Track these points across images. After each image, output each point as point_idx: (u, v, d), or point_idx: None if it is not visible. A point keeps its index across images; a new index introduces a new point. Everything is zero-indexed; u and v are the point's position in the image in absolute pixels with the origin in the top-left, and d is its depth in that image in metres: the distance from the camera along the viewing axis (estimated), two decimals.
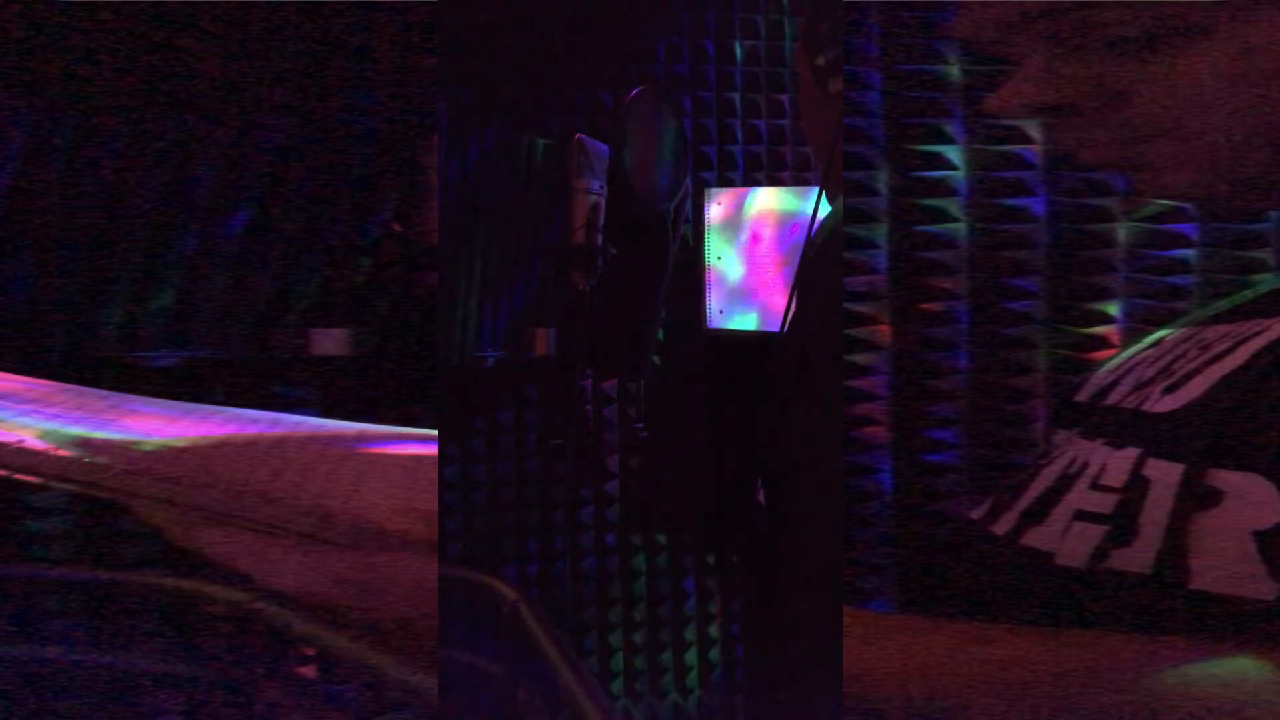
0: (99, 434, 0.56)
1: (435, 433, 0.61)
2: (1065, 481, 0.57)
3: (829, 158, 0.89)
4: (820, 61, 0.89)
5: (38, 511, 1.25)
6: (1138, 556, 0.48)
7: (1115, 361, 0.70)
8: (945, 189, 1.42)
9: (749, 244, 1.57)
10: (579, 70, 1.56)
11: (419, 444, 0.59)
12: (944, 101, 1.42)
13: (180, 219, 1.29)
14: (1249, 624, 0.44)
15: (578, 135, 1.46)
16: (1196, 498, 0.47)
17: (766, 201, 1.56)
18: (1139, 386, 0.60)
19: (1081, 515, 0.53)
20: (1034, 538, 0.56)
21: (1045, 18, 0.54)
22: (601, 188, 1.50)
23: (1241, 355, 0.51)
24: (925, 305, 1.43)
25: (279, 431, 0.61)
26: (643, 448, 1.61)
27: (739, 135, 1.65)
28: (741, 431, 1.40)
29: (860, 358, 1.43)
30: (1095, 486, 0.54)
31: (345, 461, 0.56)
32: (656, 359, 1.62)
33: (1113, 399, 0.63)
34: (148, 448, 0.55)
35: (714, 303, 1.60)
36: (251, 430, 0.60)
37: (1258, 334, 0.52)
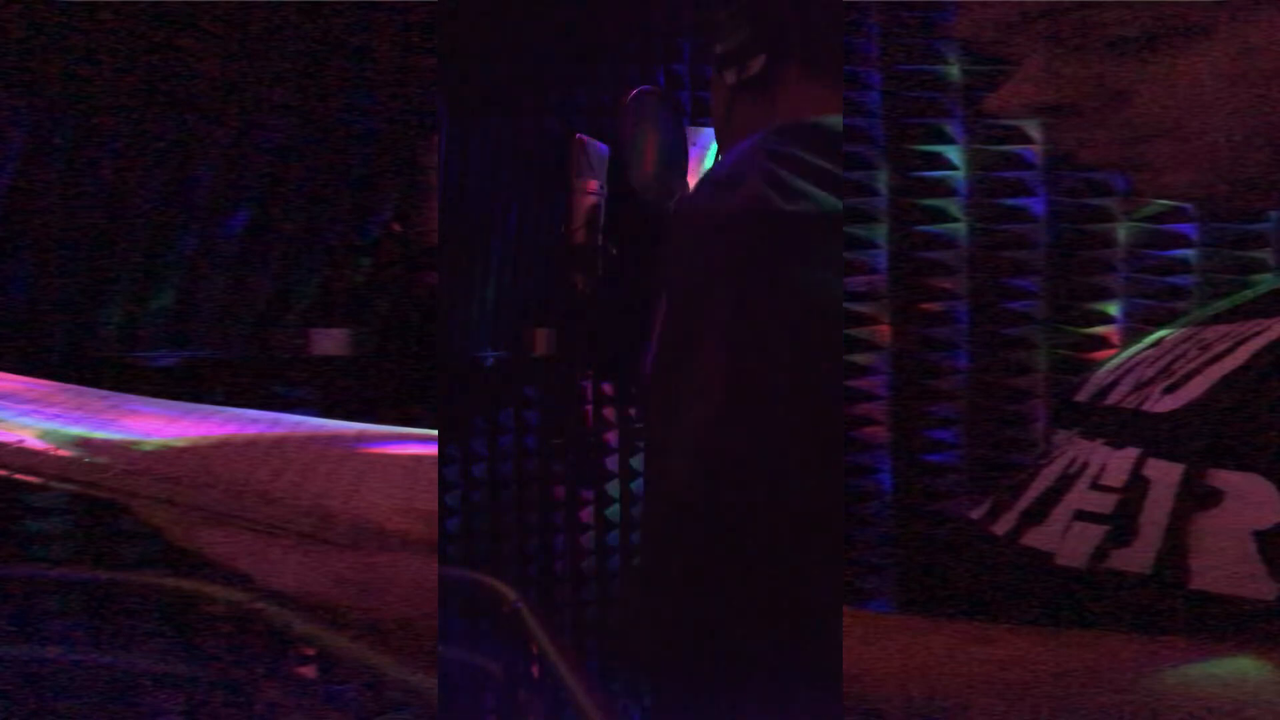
0: (99, 434, 0.56)
1: (435, 433, 0.61)
2: (1065, 481, 0.57)
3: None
4: (719, 50, 0.88)
5: (38, 511, 1.25)
6: (1138, 556, 0.48)
7: (1115, 361, 0.70)
8: (945, 189, 1.42)
9: None
10: (579, 70, 1.56)
11: (419, 444, 0.59)
12: (944, 101, 1.41)
13: (180, 219, 1.29)
14: (1249, 624, 0.44)
15: (578, 135, 1.46)
16: (1196, 498, 0.47)
17: None
18: (1139, 386, 0.60)
19: (1081, 515, 0.53)
20: (1034, 538, 0.56)
21: (1045, 18, 0.54)
22: (601, 188, 1.50)
23: (1241, 355, 0.51)
24: (925, 305, 1.43)
25: (279, 431, 0.61)
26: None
27: None
28: None
29: (860, 358, 1.43)
30: (1095, 486, 0.54)
31: (345, 461, 0.56)
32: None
33: (1113, 399, 0.63)
34: (148, 448, 0.55)
35: None
36: (251, 430, 0.60)
37: (1258, 334, 0.52)
